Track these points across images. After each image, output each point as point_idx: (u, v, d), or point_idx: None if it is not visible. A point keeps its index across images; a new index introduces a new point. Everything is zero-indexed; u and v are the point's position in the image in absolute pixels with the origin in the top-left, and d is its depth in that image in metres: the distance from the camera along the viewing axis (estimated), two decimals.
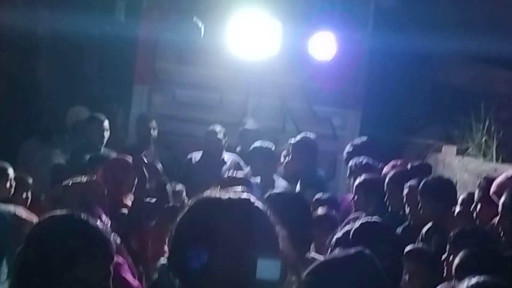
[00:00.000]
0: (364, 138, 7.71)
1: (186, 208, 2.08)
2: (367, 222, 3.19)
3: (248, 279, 1.90)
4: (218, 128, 8.21)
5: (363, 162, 6.69)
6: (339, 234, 3.33)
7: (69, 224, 2.42)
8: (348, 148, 7.53)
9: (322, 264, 2.28)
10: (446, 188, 5.19)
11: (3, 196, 5.98)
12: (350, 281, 2.16)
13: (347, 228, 3.33)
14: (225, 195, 2.06)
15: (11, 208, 2.51)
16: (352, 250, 2.25)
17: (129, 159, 5.87)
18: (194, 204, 2.07)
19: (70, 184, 4.35)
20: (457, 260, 3.88)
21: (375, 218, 3.45)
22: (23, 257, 2.33)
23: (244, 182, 5.50)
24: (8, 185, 6.20)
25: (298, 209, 3.28)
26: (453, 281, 3.84)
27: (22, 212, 2.69)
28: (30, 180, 6.58)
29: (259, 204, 2.05)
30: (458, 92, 9.25)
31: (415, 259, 4.48)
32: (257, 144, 7.54)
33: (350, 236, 2.97)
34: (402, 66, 9.47)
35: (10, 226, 2.50)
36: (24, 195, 6.37)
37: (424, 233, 5.07)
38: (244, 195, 2.07)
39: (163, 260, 4.19)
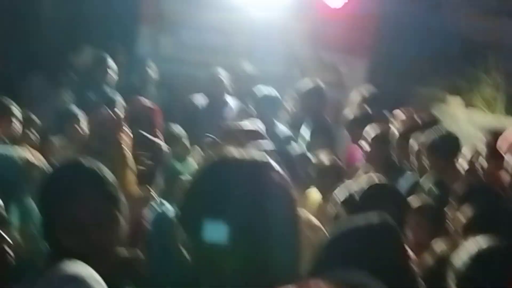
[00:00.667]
0: (371, 88, 7.61)
1: (200, 168, 2.01)
2: (376, 184, 3.10)
3: (266, 254, 1.84)
4: (221, 71, 8.14)
5: (368, 113, 6.64)
6: (345, 193, 3.28)
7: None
8: (354, 95, 7.45)
9: (344, 233, 2.17)
10: (452, 144, 5.17)
11: (11, 135, 5.97)
12: (375, 252, 2.09)
13: (354, 187, 3.28)
14: (243, 155, 1.95)
15: (20, 151, 2.49)
16: (374, 218, 2.16)
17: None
18: (212, 162, 1.97)
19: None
20: (464, 219, 3.86)
21: (382, 179, 3.36)
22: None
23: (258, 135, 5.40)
24: (14, 123, 6.14)
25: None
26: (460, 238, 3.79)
27: (31, 155, 2.69)
28: (37, 119, 6.53)
29: (279, 169, 1.96)
30: (467, 43, 9.20)
31: (417, 211, 4.43)
32: (264, 91, 7.42)
33: (358, 197, 2.91)
34: (412, 14, 9.35)
35: (19, 170, 2.48)
36: (31, 135, 6.36)
37: (423, 185, 5.05)
38: (264, 158, 1.96)
39: (155, 204, 4.06)
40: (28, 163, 2.68)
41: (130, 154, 3.88)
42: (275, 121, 7.26)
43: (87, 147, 3.92)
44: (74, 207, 2.34)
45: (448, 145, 5.13)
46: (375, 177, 3.46)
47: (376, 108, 6.88)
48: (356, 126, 6.49)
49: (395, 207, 2.55)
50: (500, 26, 9.11)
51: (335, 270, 2.03)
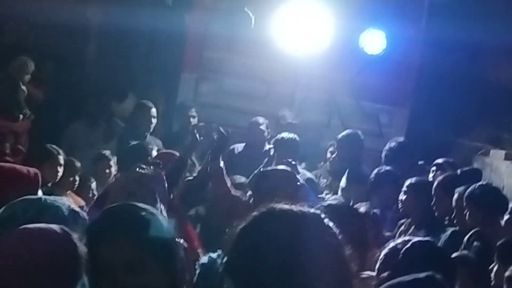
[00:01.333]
0: (401, 139, 7.52)
1: (252, 217, 1.99)
2: (419, 241, 2.98)
3: None
4: (261, 119, 8.11)
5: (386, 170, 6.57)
6: (387, 249, 3.21)
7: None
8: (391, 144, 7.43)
9: (392, 285, 2.13)
10: (493, 196, 5.08)
11: (51, 179, 6.09)
12: None
13: (396, 243, 3.20)
14: (295, 208, 1.97)
15: (66, 201, 2.55)
16: (422, 274, 2.10)
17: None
18: (261, 214, 1.98)
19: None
20: (508, 272, 3.83)
21: (427, 238, 3.30)
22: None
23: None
24: (57, 169, 6.27)
25: (354, 222, 3.16)
26: None
27: (74, 204, 2.75)
28: (78, 164, 6.65)
29: (328, 221, 1.99)
30: (508, 93, 9.08)
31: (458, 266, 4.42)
32: (282, 135, 7.37)
33: (400, 255, 2.85)
34: (452, 64, 9.27)
35: (66, 220, 2.52)
36: (71, 179, 6.50)
37: (465, 240, 5.00)
38: (313, 210, 2.00)
39: (203, 260, 4.13)
40: (75, 213, 2.70)
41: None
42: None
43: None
44: (105, 249, 2.30)
45: (493, 199, 5.02)
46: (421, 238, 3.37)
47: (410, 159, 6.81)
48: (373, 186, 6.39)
49: (439, 266, 2.40)
50: None
51: None
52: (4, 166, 3.84)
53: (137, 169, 4.36)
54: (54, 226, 2.32)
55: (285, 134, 7.36)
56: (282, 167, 5.46)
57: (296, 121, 8.42)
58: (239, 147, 8.26)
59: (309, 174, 7.23)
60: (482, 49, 9.28)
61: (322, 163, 8.45)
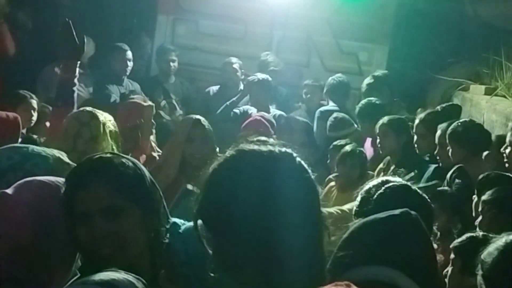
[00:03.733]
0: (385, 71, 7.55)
1: (223, 157, 2.00)
2: (394, 186, 2.88)
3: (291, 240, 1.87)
4: (234, 59, 8.15)
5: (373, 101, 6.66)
6: (363, 191, 3.11)
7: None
8: (368, 79, 7.42)
9: (363, 224, 2.08)
10: (475, 133, 5.09)
11: (25, 124, 6.00)
12: (394, 241, 2.01)
13: (370, 186, 3.08)
14: (265, 147, 1.98)
15: (55, 152, 2.51)
16: (397, 211, 2.07)
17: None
18: (232, 155, 1.99)
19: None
20: (485, 196, 3.90)
21: (403, 181, 3.12)
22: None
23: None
24: (31, 112, 6.20)
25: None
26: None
27: (64, 155, 2.71)
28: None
29: (301, 160, 1.99)
30: (487, 28, 8.93)
31: (437, 199, 4.35)
32: (255, 75, 7.54)
33: (373, 200, 2.78)
34: (430, 0, 9.18)
35: (53, 169, 2.49)
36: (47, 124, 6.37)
37: (448, 177, 5.03)
38: (284, 149, 1.99)
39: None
40: (59, 161, 2.66)
41: None
42: (266, 105, 7.35)
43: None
44: (83, 196, 2.30)
45: (475, 136, 5.05)
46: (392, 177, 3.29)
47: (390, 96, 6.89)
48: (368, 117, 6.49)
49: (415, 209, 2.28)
50: None
51: (357, 269, 1.97)
52: None
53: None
54: (58, 179, 2.35)
55: (258, 74, 7.48)
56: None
57: (278, 68, 8.40)
58: (214, 88, 8.24)
59: (279, 113, 7.32)
60: None
61: (300, 103, 8.44)
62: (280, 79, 8.22)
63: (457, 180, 4.92)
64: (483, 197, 3.91)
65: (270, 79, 7.49)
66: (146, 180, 2.41)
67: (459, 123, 5.09)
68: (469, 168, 4.94)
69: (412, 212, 2.09)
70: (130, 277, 1.89)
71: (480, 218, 3.88)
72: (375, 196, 2.77)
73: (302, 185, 1.95)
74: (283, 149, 1.99)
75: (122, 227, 2.32)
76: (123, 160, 2.41)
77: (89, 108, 4.12)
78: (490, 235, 3.33)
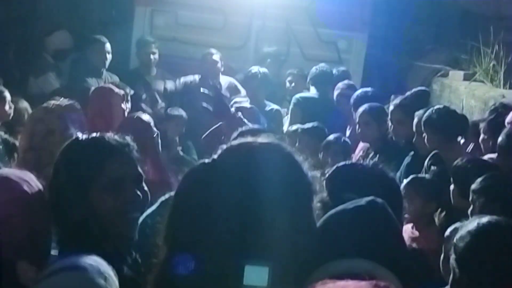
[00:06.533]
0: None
1: (217, 156, 1.96)
2: (342, 166, 2.71)
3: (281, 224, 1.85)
4: (214, 50, 8.10)
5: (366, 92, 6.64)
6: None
7: (90, 140, 2.49)
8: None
9: (332, 217, 2.04)
10: (450, 119, 5.05)
11: (2, 119, 5.99)
12: (363, 232, 1.99)
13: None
14: (254, 140, 1.96)
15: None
16: (363, 201, 2.05)
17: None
18: (224, 152, 1.96)
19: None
20: (474, 185, 3.89)
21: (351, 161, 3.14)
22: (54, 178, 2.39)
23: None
24: (5, 108, 6.13)
25: None
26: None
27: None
28: (26, 105, 6.46)
29: (290, 149, 1.96)
30: (466, 15, 9.05)
31: (412, 185, 4.51)
32: (254, 69, 7.50)
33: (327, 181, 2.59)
34: None
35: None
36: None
37: (425, 164, 5.06)
38: (274, 140, 1.97)
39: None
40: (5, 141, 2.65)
41: None
42: (261, 98, 7.35)
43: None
44: (112, 164, 2.41)
45: (450, 123, 5.03)
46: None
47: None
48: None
49: (384, 191, 2.29)
50: None
51: (333, 262, 1.94)
52: None
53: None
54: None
55: (257, 68, 7.50)
56: None
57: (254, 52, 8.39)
58: (192, 79, 8.20)
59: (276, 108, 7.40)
60: None
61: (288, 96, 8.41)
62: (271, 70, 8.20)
63: (432, 167, 4.92)
64: (472, 186, 3.89)
65: (268, 73, 7.48)
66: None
67: (433, 110, 5.07)
68: (444, 154, 4.95)
69: (379, 200, 2.07)
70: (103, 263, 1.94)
71: (471, 207, 3.87)
72: (326, 177, 2.63)
73: (288, 176, 1.91)
74: (269, 140, 1.96)
75: (145, 193, 2.47)
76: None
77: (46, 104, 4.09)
78: None
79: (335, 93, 7.14)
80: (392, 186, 2.64)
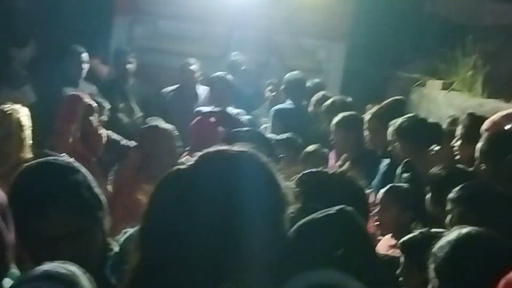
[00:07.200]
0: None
1: (192, 164, 1.92)
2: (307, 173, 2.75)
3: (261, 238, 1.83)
4: (192, 60, 8.09)
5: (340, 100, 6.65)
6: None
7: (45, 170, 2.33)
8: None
9: (302, 226, 2.02)
10: (420, 128, 5.11)
11: None
12: (334, 242, 1.98)
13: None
14: (230, 148, 1.93)
15: None
16: (333, 210, 2.03)
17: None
18: (200, 160, 1.93)
19: None
20: (452, 194, 3.81)
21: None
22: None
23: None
24: None
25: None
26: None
27: None
28: None
29: (264, 158, 1.93)
30: (445, 24, 9.06)
31: (389, 194, 4.52)
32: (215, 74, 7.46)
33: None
34: None
35: None
36: None
37: (398, 172, 5.07)
38: (249, 149, 1.94)
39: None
40: None
41: None
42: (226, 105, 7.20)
43: None
44: (42, 225, 2.21)
45: (420, 131, 5.07)
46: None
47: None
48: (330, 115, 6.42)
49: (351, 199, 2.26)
50: (478, 6, 8.98)
51: (304, 274, 1.92)
52: None
53: None
54: None
55: (220, 74, 7.38)
56: None
57: (251, 67, 8.41)
58: (170, 89, 8.18)
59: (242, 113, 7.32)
60: None
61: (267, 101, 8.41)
62: (247, 78, 8.21)
63: (404, 175, 4.95)
64: (450, 195, 3.81)
65: (232, 78, 7.45)
66: (92, 186, 2.35)
67: (405, 119, 5.11)
68: (417, 162, 4.95)
69: (349, 208, 2.05)
70: (76, 269, 1.86)
71: (448, 217, 3.79)
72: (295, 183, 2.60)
73: (262, 185, 1.88)
74: (245, 149, 1.93)
75: (85, 246, 2.28)
76: (77, 176, 2.32)
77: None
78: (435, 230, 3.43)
79: (310, 108, 7.14)
80: (359, 193, 2.63)
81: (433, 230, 3.52)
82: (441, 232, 3.12)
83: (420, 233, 3.57)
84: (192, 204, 1.82)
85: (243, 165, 1.88)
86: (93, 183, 2.36)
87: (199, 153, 1.93)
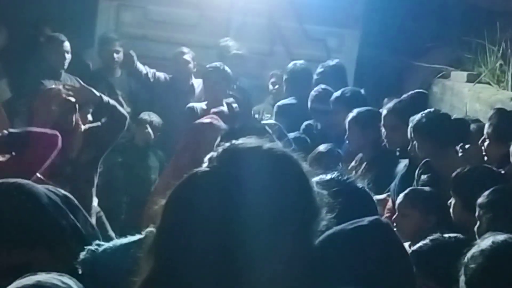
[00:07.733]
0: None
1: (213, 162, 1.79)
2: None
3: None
4: (186, 49, 7.88)
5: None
6: None
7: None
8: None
9: (327, 238, 1.90)
10: (441, 125, 4.86)
11: None
12: (365, 257, 1.90)
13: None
14: (257, 143, 1.81)
15: None
16: (365, 221, 1.96)
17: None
18: (222, 154, 1.79)
19: None
20: (481, 199, 3.78)
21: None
22: None
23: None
24: None
25: None
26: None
27: None
28: None
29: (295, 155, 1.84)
30: (470, 10, 8.83)
31: (409, 199, 4.46)
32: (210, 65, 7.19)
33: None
34: None
35: None
36: None
37: (416, 174, 4.97)
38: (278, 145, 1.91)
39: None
40: None
41: None
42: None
43: None
44: None
45: (441, 128, 4.80)
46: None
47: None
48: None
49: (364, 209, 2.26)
50: None
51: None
52: None
53: None
54: None
55: (215, 64, 7.13)
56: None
57: (242, 51, 8.10)
58: (161, 77, 7.97)
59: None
60: None
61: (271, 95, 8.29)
62: (243, 65, 7.94)
63: (422, 177, 4.84)
64: (479, 200, 3.80)
65: (229, 70, 7.16)
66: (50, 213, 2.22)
67: (423, 114, 4.89)
68: (438, 163, 4.80)
69: (384, 220, 2.08)
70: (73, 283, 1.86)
71: (477, 224, 3.78)
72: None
73: (295, 193, 1.79)
74: (274, 146, 1.85)
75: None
76: (18, 199, 2.19)
77: None
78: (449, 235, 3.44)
79: (309, 104, 6.82)
80: (368, 206, 2.48)
81: (445, 235, 3.51)
82: (455, 237, 3.32)
83: (431, 240, 3.52)
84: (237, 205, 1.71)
85: (276, 165, 1.79)
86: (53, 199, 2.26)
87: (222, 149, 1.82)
